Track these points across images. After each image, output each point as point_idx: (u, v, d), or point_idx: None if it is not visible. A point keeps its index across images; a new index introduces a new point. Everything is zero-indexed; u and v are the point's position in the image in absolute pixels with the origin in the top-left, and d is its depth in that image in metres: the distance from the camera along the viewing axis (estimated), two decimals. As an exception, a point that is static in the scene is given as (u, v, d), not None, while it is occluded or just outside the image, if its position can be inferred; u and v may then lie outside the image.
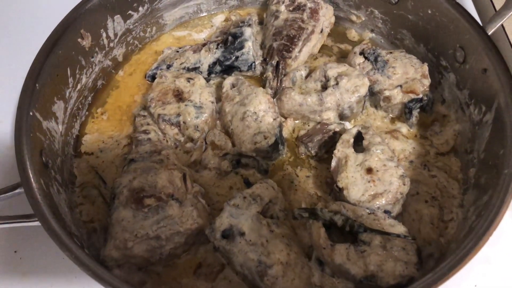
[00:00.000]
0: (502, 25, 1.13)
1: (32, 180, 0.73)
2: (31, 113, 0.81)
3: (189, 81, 1.00)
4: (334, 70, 1.01)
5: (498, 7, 0.95)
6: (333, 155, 0.91)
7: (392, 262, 0.75)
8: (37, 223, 0.69)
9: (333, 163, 0.91)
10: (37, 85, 0.84)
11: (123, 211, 0.80)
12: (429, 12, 1.02)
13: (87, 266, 0.64)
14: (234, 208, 0.81)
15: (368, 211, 0.82)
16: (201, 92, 0.98)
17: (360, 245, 0.78)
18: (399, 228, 0.80)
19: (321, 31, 1.12)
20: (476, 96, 0.94)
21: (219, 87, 1.04)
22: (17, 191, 0.73)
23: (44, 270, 0.88)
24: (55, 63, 0.90)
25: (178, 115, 0.95)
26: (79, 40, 0.97)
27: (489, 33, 0.93)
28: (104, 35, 1.03)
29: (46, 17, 1.14)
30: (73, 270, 0.88)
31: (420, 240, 0.85)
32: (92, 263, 0.65)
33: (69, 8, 0.96)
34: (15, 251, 0.91)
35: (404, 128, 1.02)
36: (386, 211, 0.84)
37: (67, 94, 0.95)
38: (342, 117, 1.01)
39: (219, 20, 1.21)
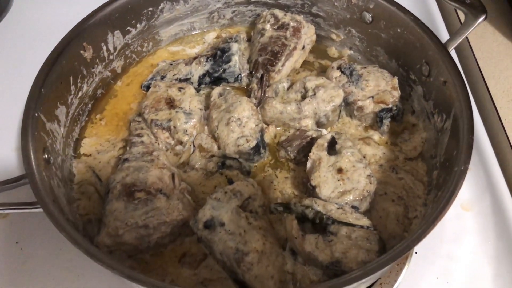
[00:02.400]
0: (468, 41, 1.24)
1: (35, 171, 0.82)
2: (36, 114, 0.91)
3: (180, 90, 1.10)
4: (312, 82, 1.11)
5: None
6: (308, 157, 1.00)
7: (355, 250, 0.83)
8: (39, 210, 0.78)
9: (309, 165, 1.00)
10: (42, 90, 0.94)
11: (116, 203, 0.89)
12: (399, 30, 1.12)
13: (82, 246, 0.73)
14: (216, 201, 0.90)
15: (337, 206, 0.91)
16: (191, 100, 1.08)
17: (328, 235, 0.86)
18: (364, 221, 0.88)
19: (303, 48, 1.22)
20: (439, 105, 1.03)
21: (208, 96, 1.14)
22: (21, 181, 0.82)
23: (43, 260, 0.96)
24: (59, 71, 1.00)
25: (169, 120, 1.05)
26: (82, 52, 1.07)
27: (450, 49, 1.03)
28: (104, 48, 1.14)
29: (52, 31, 1.26)
30: (70, 259, 0.97)
31: (386, 234, 0.94)
32: (87, 243, 0.74)
33: (74, 23, 1.07)
34: (17, 242, 0.99)
35: (376, 136, 1.11)
36: (353, 207, 0.92)
37: (69, 100, 1.05)
38: (319, 124, 1.11)
39: (211, 37, 1.32)
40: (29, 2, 1.46)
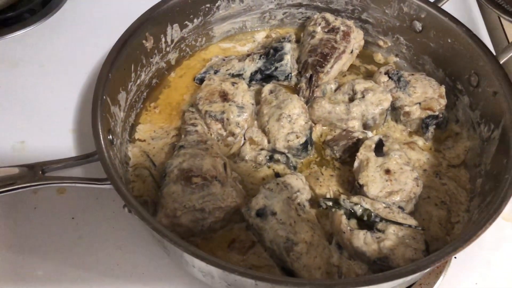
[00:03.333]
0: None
1: (104, 149, 0.87)
2: (104, 97, 0.96)
3: (233, 85, 1.14)
4: (361, 85, 1.14)
5: (511, 39, 1.08)
6: (356, 157, 1.03)
7: (403, 247, 0.86)
8: (108, 186, 0.82)
9: (356, 164, 1.03)
10: (109, 75, 0.99)
11: (174, 186, 0.93)
12: (449, 41, 1.15)
13: (150, 222, 0.77)
14: (268, 191, 0.94)
15: (384, 205, 0.94)
16: (243, 95, 1.13)
17: (376, 232, 0.89)
18: (411, 221, 0.91)
19: (351, 52, 1.26)
20: (486, 116, 1.06)
21: (258, 92, 1.18)
22: (90, 159, 0.88)
23: (98, 236, 1.01)
24: (123, 58, 1.05)
25: (223, 112, 1.09)
26: (144, 41, 1.12)
27: (501, 62, 1.06)
28: (163, 40, 1.19)
29: (114, 23, 1.32)
30: (122, 237, 1.01)
31: (428, 236, 0.96)
32: (153, 220, 0.78)
33: (132, 13, 1.12)
34: (72, 218, 1.04)
35: (420, 141, 1.14)
36: (400, 207, 0.95)
37: (129, 86, 1.10)
38: (365, 126, 1.14)
39: (261, 36, 1.36)
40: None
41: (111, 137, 0.96)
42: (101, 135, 0.89)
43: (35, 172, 0.82)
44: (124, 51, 1.04)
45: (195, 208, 0.90)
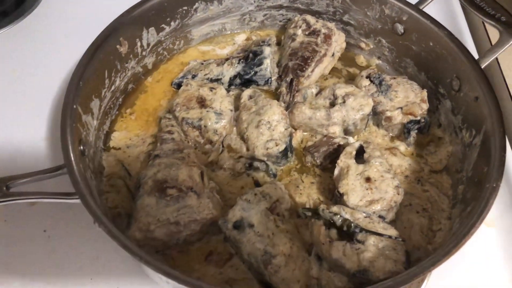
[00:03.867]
0: (496, 58, 1.25)
1: (74, 163, 0.83)
2: (74, 106, 0.92)
3: (211, 90, 1.11)
4: (342, 89, 1.12)
5: (494, 42, 1.06)
6: (336, 164, 1.01)
7: (383, 259, 0.84)
8: (77, 201, 0.79)
9: (336, 172, 1.01)
10: (80, 83, 0.96)
11: (148, 198, 0.90)
12: (431, 44, 1.13)
13: (119, 239, 0.74)
14: (246, 202, 0.91)
15: (364, 214, 0.92)
16: (222, 101, 1.10)
17: (356, 243, 0.87)
18: (391, 231, 0.89)
19: (333, 55, 1.23)
20: (468, 121, 1.04)
21: (238, 97, 1.15)
22: (59, 172, 0.84)
23: (70, 249, 0.97)
24: (96, 65, 1.01)
25: (200, 119, 1.06)
26: (118, 46, 1.08)
27: (482, 66, 1.04)
28: (139, 44, 1.15)
29: (84, 23, 1.29)
30: (96, 249, 0.98)
31: (410, 245, 0.95)
32: (123, 237, 0.75)
33: (107, 15, 1.08)
34: (44, 230, 1.00)
35: (402, 147, 1.12)
36: (380, 216, 0.93)
37: (103, 93, 1.07)
38: (346, 132, 1.12)
39: (241, 38, 1.33)
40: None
41: (82, 147, 0.93)
42: (70, 148, 0.85)
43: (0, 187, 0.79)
44: (96, 57, 1.01)
45: (169, 222, 0.87)
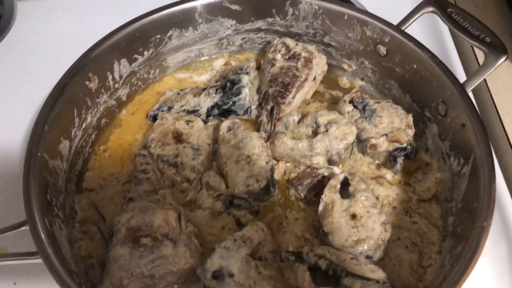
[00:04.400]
0: (485, 80, 1.21)
1: (37, 219, 0.78)
2: (39, 154, 0.87)
3: (188, 124, 1.06)
4: (324, 117, 1.07)
5: (481, 62, 1.02)
6: (320, 199, 0.97)
7: (370, 306, 0.80)
8: (40, 261, 0.74)
9: (321, 207, 0.96)
10: (46, 126, 0.90)
11: (120, 249, 0.85)
12: (415, 66, 1.09)
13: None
14: (225, 250, 0.86)
15: (351, 255, 0.87)
16: (199, 135, 1.05)
17: (342, 289, 0.83)
18: (379, 274, 0.85)
19: (314, 79, 1.19)
20: (456, 148, 1.00)
21: (216, 128, 1.10)
22: (22, 228, 0.79)
23: (42, 302, 0.93)
24: (62, 106, 0.96)
25: (177, 156, 1.01)
26: (87, 82, 1.03)
27: (468, 90, 1.00)
28: (110, 77, 1.10)
29: (60, 52, 1.23)
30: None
31: (399, 284, 0.90)
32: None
33: (79, 40, 1.04)
34: (14, 283, 0.95)
35: (389, 175, 1.08)
36: (368, 256, 0.89)
37: (73, 133, 1.01)
38: (330, 162, 1.07)
39: (219, 63, 1.28)
40: (32, 19, 1.42)
41: (49, 198, 0.87)
42: (33, 203, 0.80)
43: (-45, 252, 0.73)
44: (62, 97, 0.96)
45: (143, 275, 0.83)
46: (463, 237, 0.85)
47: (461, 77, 1.05)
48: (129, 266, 0.83)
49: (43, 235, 0.77)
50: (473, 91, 1.22)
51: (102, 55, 1.05)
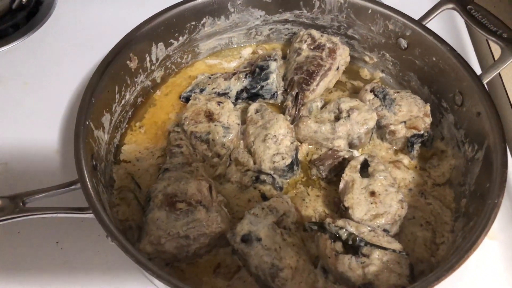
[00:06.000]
0: (499, 73, 1.27)
1: (87, 178, 0.86)
2: (87, 122, 0.95)
3: (219, 104, 1.14)
4: (346, 103, 1.14)
5: (496, 57, 1.08)
6: (341, 178, 1.03)
7: (387, 273, 0.87)
8: (90, 215, 0.82)
9: (341, 185, 1.03)
10: (92, 99, 0.98)
11: (158, 212, 0.93)
12: (434, 59, 1.15)
13: (132, 253, 0.77)
14: (254, 216, 0.93)
15: (369, 228, 0.94)
16: (229, 115, 1.12)
17: (361, 257, 0.89)
18: (396, 245, 0.91)
19: (337, 69, 1.26)
20: (471, 135, 1.06)
21: (244, 111, 1.18)
22: (73, 187, 0.87)
23: (82, 260, 1.00)
24: (107, 80, 1.04)
25: (208, 133, 1.09)
26: (128, 62, 1.11)
27: (484, 82, 1.06)
28: (148, 58, 1.18)
29: (100, 38, 1.31)
30: (107, 262, 1.00)
31: (413, 258, 0.97)
32: (135, 251, 0.78)
33: (118, 28, 1.12)
34: (57, 242, 1.03)
35: (406, 160, 1.14)
36: (385, 230, 0.95)
37: (113, 108, 1.09)
38: (351, 145, 1.14)
39: (247, 52, 1.36)
40: (71, 6, 1.50)
41: (94, 162, 0.95)
42: (83, 163, 0.88)
43: (16, 203, 0.81)
44: (107, 73, 1.04)
45: (179, 235, 0.90)
46: (474, 214, 0.91)
47: (477, 71, 1.11)
48: (166, 227, 0.90)
49: (92, 192, 0.84)
50: (489, 86, 1.29)
51: (143, 37, 1.13)
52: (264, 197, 1.06)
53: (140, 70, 1.17)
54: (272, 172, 1.07)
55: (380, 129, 1.16)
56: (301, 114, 1.17)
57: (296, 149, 1.10)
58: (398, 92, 1.18)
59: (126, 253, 0.76)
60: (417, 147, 1.14)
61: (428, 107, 1.14)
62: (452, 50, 1.12)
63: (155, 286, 0.97)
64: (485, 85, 1.06)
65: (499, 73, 1.29)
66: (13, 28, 1.43)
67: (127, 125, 1.18)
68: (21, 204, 0.82)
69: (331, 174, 1.11)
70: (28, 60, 1.36)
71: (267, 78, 1.20)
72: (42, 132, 1.20)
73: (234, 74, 1.22)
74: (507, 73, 1.29)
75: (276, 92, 1.21)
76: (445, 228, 1.02)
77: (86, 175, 0.86)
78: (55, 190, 0.86)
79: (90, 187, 0.85)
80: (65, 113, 1.24)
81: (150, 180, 1.07)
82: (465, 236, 0.89)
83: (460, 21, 1.14)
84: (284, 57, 1.32)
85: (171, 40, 1.22)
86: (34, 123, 1.22)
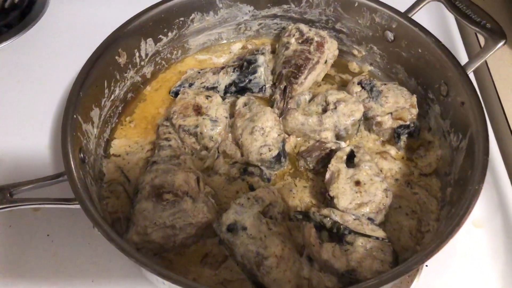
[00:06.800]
0: (486, 62, 1.28)
1: (74, 170, 0.88)
2: (74, 116, 0.97)
3: (207, 98, 1.15)
4: (334, 96, 1.15)
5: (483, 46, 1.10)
6: (327, 168, 1.05)
7: (370, 260, 0.88)
8: (77, 206, 0.83)
9: (327, 176, 1.04)
10: (80, 93, 1.00)
11: (145, 203, 0.94)
12: (420, 51, 1.17)
13: (117, 243, 0.78)
14: (239, 206, 0.95)
15: (354, 217, 0.95)
16: (217, 108, 1.14)
17: (344, 245, 0.91)
18: (379, 233, 0.92)
19: (325, 62, 1.27)
20: (456, 125, 1.07)
21: (233, 105, 1.19)
22: (60, 178, 0.88)
23: (72, 253, 1.02)
24: (95, 75, 1.06)
25: (196, 126, 1.10)
26: (117, 57, 1.13)
27: (469, 72, 1.07)
28: (137, 54, 1.19)
29: (86, 33, 1.33)
30: (97, 254, 1.02)
31: (399, 246, 0.98)
32: (121, 241, 0.79)
33: (108, 26, 1.13)
34: (48, 235, 1.05)
35: (393, 151, 1.15)
36: (369, 219, 0.96)
37: (103, 102, 1.11)
38: (338, 137, 1.15)
39: (237, 47, 1.38)
40: (64, 4, 1.52)
41: (82, 155, 0.97)
42: (70, 156, 0.89)
43: (4, 194, 0.83)
44: (95, 68, 1.05)
45: (165, 225, 0.91)
46: (458, 201, 0.92)
47: (464, 59, 1.12)
48: (153, 217, 0.92)
49: (78, 184, 0.86)
50: (476, 78, 1.30)
51: (132, 32, 1.15)
52: (252, 189, 1.07)
53: (130, 66, 1.19)
54: (259, 164, 1.08)
55: (367, 121, 1.17)
56: (289, 107, 1.18)
57: (283, 141, 1.11)
58: (385, 84, 1.20)
59: (111, 242, 0.77)
60: (403, 138, 1.15)
61: (414, 98, 1.15)
62: (437, 41, 1.13)
63: (144, 278, 0.99)
64: (469, 75, 1.07)
65: (486, 64, 1.31)
66: (6, 27, 1.45)
67: (117, 120, 1.19)
68: (9, 195, 0.83)
69: (318, 165, 1.12)
70: (20, 58, 1.38)
71: (255, 72, 1.21)
72: (34, 129, 1.22)
73: (222, 68, 1.24)
74: (494, 63, 1.30)
75: (264, 85, 1.22)
76: (430, 217, 1.03)
77: (73, 167, 0.88)
78: (42, 181, 0.88)
79: (76, 178, 0.87)
80: (57, 110, 1.26)
81: (139, 173, 1.08)
82: (447, 222, 0.89)
83: (448, 12, 1.15)
84: (273, 51, 1.34)
85: (160, 36, 1.23)
86: (26, 120, 1.24)
